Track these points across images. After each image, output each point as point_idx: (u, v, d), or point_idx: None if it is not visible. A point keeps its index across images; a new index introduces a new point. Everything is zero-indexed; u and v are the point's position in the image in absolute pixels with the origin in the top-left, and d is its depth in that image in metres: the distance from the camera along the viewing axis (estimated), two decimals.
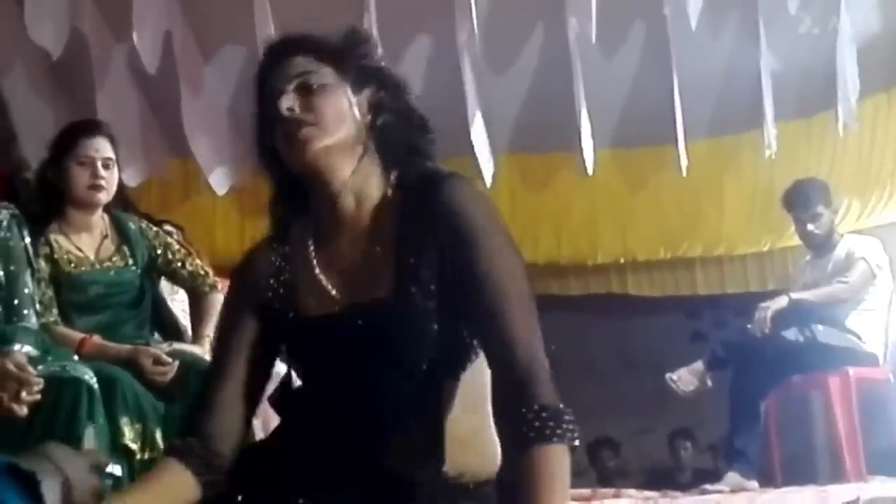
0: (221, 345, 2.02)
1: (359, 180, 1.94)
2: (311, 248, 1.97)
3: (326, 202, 1.95)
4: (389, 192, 1.96)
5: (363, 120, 1.95)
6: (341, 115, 1.92)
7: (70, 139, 3.90)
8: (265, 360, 1.99)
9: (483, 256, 1.83)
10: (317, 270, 1.95)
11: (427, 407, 1.82)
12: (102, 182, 3.86)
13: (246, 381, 1.96)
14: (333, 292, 1.92)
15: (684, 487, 6.60)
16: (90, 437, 1.67)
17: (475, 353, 1.88)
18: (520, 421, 1.73)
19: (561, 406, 1.75)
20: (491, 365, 1.83)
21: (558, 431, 1.72)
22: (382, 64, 2.02)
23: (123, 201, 4.30)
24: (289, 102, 1.90)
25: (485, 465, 1.87)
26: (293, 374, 1.94)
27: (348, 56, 1.98)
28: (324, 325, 1.90)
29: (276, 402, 1.97)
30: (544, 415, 1.73)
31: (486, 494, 1.86)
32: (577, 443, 1.75)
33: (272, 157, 1.96)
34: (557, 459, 1.72)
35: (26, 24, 5.50)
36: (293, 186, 1.99)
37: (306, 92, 1.92)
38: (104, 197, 3.91)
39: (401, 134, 1.98)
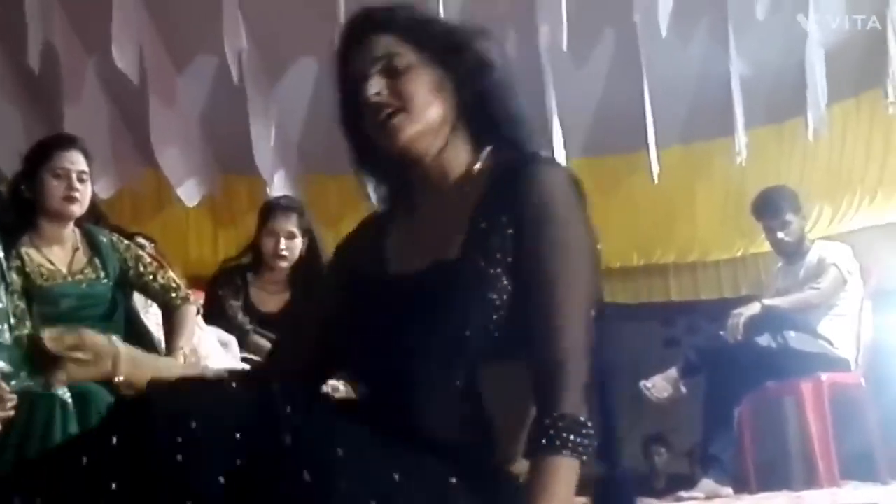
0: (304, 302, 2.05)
1: (448, 155, 1.93)
2: (397, 215, 1.99)
3: (415, 175, 1.95)
4: (479, 165, 1.94)
5: (450, 96, 1.93)
6: (430, 97, 1.90)
7: (46, 151, 3.92)
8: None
9: (554, 252, 1.80)
10: (388, 240, 1.96)
11: (470, 381, 1.77)
12: (77, 194, 3.88)
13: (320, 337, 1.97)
14: (394, 263, 1.92)
15: (659, 494, 6.60)
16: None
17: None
18: (537, 424, 1.71)
19: (582, 418, 1.70)
20: (528, 360, 1.77)
21: (569, 444, 1.68)
22: (466, 38, 1.97)
23: (95, 214, 4.30)
24: (376, 87, 1.88)
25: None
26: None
27: (429, 31, 1.95)
28: (389, 285, 1.89)
29: None
30: (560, 424, 1.69)
31: (506, 487, 1.81)
32: (585, 458, 1.71)
33: (359, 135, 1.95)
34: (561, 473, 1.69)
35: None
36: (383, 161, 1.97)
37: (392, 73, 1.89)
38: (78, 209, 3.91)
39: (490, 109, 1.96)
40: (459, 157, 1.95)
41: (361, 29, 1.95)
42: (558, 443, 1.69)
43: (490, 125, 1.96)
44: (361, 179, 2.03)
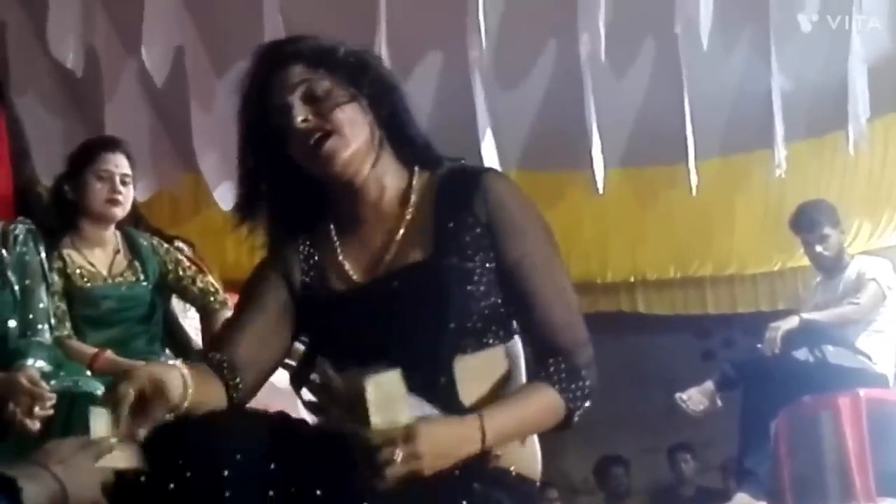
0: (249, 293, 2.04)
1: (378, 172, 1.97)
2: (335, 236, 2.01)
3: (349, 196, 1.98)
4: (415, 180, 1.99)
5: (370, 116, 1.96)
6: (355, 117, 1.93)
7: (90, 153, 3.94)
8: (288, 328, 2.01)
9: (522, 241, 1.90)
10: (340, 256, 1.98)
11: (448, 375, 1.84)
12: (120, 197, 3.89)
13: (268, 334, 1.98)
14: (355, 276, 1.95)
15: (689, 502, 6.59)
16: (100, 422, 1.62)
17: (510, 328, 1.94)
18: (539, 366, 1.84)
19: (583, 373, 1.84)
20: (532, 348, 1.91)
21: (564, 384, 1.82)
22: (368, 60, 2.02)
23: (134, 217, 4.33)
24: (302, 114, 1.90)
25: (530, 462, 1.90)
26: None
27: (335, 56, 1.97)
28: (356, 296, 1.93)
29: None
30: (562, 366, 1.83)
31: (525, 491, 1.88)
32: (577, 409, 1.83)
33: (273, 165, 1.96)
34: (543, 401, 1.81)
35: (48, 40, 5.55)
36: (302, 188, 1.99)
37: (313, 99, 1.92)
38: (120, 212, 3.93)
39: (411, 123, 2.02)
40: (391, 174, 1.99)
41: (270, 62, 1.96)
42: (555, 377, 1.83)
43: (408, 142, 2.02)
44: (254, 222, 2.04)
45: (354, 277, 1.96)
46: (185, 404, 1.73)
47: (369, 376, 1.62)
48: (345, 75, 1.95)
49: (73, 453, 1.63)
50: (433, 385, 1.81)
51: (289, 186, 1.99)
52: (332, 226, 2.02)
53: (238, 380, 1.91)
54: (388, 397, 1.62)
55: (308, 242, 2.03)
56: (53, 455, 1.63)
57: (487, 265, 1.89)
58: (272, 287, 2.01)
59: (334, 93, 1.92)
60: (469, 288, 1.86)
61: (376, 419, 1.59)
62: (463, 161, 2.06)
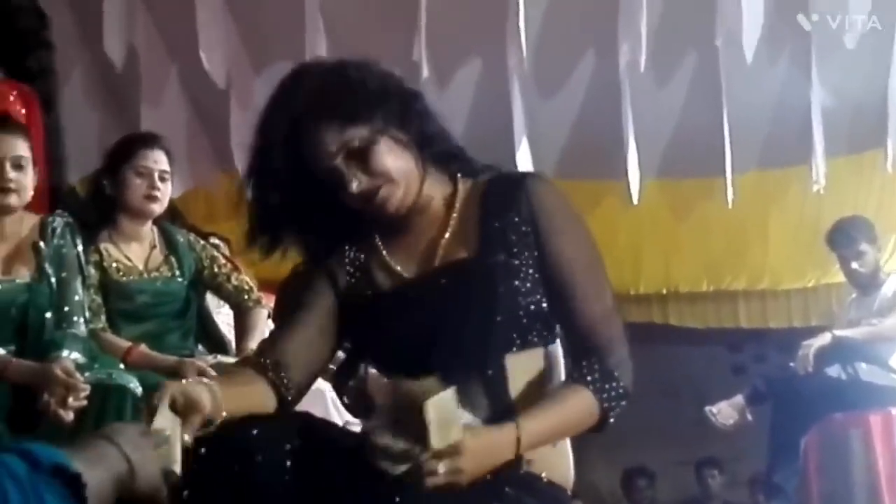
0: (294, 295, 2.08)
1: (425, 188, 2.00)
2: (379, 241, 2.03)
3: (394, 216, 2.00)
4: (460, 186, 2.03)
5: (405, 140, 1.97)
6: (397, 158, 1.94)
7: (130, 149, 3.95)
8: (334, 329, 2.02)
9: (563, 240, 1.95)
10: (386, 256, 2.01)
11: (497, 369, 1.87)
12: (158, 194, 3.91)
13: (315, 335, 2.00)
14: (404, 273, 1.98)
15: None
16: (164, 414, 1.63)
17: (553, 329, 1.97)
18: (574, 366, 1.88)
19: (616, 374, 1.88)
20: (569, 345, 1.94)
21: (597, 385, 1.85)
22: (389, 85, 2.00)
23: (171, 212, 4.36)
24: (354, 182, 1.91)
25: (562, 469, 1.91)
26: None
27: (360, 99, 1.94)
28: (404, 291, 1.96)
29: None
30: (596, 367, 1.87)
31: (556, 497, 1.89)
32: (612, 409, 1.87)
33: (305, 203, 1.97)
34: (577, 403, 1.84)
35: (104, 37, 5.61)
36: (340, 213, 2.00)
37: (355, 155, 1.92)
38: (158, 208, 3.95)
39: (445, 135, 2.04)
40: (436, 185, 2.02)
41: (295, 120, 1.94)
42: (588, 378, 1.86)
43: (447, 152, 2.04)
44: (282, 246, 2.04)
45: (404, 274, 1.98)
46: (221, 415, 1.75)
47: (429, 398, 1.62)
48: (374, 111, 1.93)
49: (140, 437, 1.64)
50: (481, 378, 1.84)
51: (324, 216, 2.01)
52: (375, 234, 2.04)
53: (286, 379, 1.94)
54: (445, 418, 1.63)
55: (352, 247, 2.06)
56: (123, 434, 1.64)
57: (532, 262, 1.92)
58: (317, 289, 2.03)
59: (371, 140, 1.92)
60: (516, 283, 1.90)
61: (435, 440, 1.61)
62: (501, 168, 2.09)
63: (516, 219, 1.94)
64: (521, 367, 1.90)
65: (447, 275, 1.93)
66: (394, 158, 1.93)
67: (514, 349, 1.89)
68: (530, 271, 1.92)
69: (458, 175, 2.04)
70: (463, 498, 1.67)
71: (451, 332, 1.86)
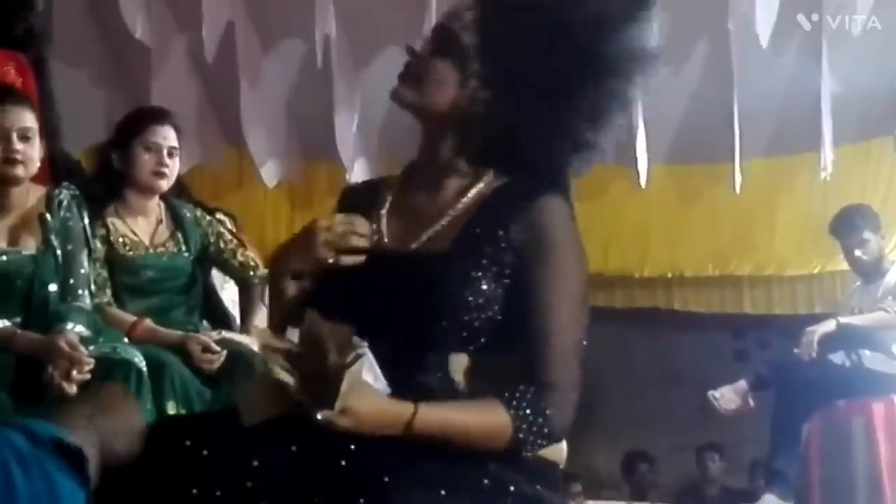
0: None
1: (451, 147, 2.00)
2: (393, 192, 2.05)
3: (424, 149, 2.03)
4: (483, 180, 1.99)
5: (462, 100, 1.96)
6: (443, 81, 1.96)
7: (139, 124, 3.96)
8: None
9: (549, 280, 1.89)
10: (388, 210, 2.02)
11: (446, 368, 1.87)
12: (166, 170, 3.92)
13: None
14: (386, 239, 1.98)
15: (713, 502, 6.57)
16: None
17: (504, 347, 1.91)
18: (512, 387, 1.82)
19: (549, 412, 1.81)
20: (521, 365, 1.86)
21: (521, 413, 1.79)
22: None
23: (178, 187, 4.36)
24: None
25: (553, 447, 1.89)
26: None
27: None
28: (383, 262, 1.93)
29: None
30: (529, 397, 1.81)
31: (545, 474, 1.88)
32: (527, 442, 1.80)
33: None
34: (487, 419, 1.79)
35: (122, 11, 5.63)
36: None
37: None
38: (165, 184, 3.96)
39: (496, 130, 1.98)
40: (460, 164, 2.00)
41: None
42: (514, 403, 1.80)
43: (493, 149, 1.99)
44: None
45: (388, 240, 1.98)
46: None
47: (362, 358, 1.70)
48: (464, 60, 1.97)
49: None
50: (427, 368, 1.86)
51: None
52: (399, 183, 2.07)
53: None
54: (351, 384, 1.68)
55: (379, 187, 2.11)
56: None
57: (496, 279, 1.89)
58: None
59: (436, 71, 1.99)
60: (468, 296, 1.86)
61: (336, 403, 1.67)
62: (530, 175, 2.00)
63: (500, 233, 1.90)
64: (476, 371, 1.89)
65: (413, 265, 1.92)
66: (440, 78, 1.97)
67: (452, 353, 1.88)
68: (492, 285, 1.88)
69: (491, 170, 2.01)
70: (449, 472, 1.69)
71: (393, 322, 1.85)
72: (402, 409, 1.72)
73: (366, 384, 1.70)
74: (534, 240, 1.90)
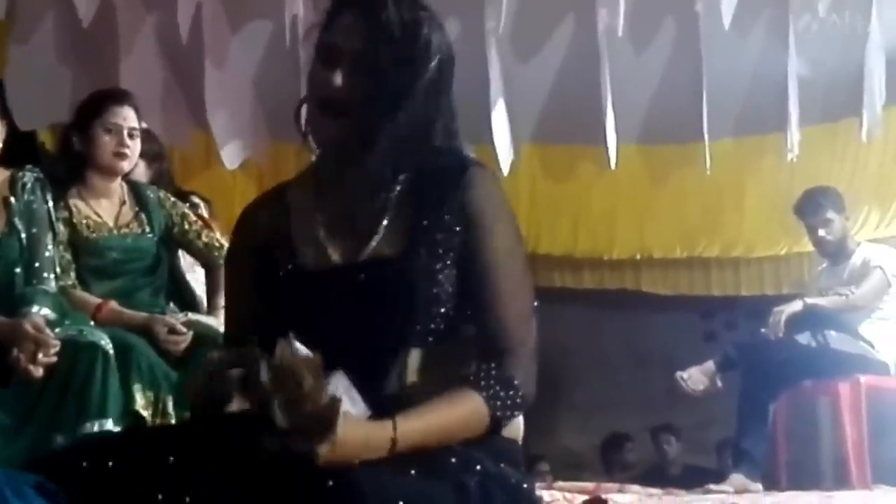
0: (233, 281, 2.08)
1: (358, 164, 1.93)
2: (313, 203, 1.99)
3: (328, 165, 1.99)
4: (399, 177, 1.95)
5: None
6: None
7: (98, 106, 3.95)
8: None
9: (493, 245, 1.90)
10: (317, 225, 1.96)
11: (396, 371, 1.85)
12: (127, 151, 3.91)
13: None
14: (329, 250, 1.94)
15: (676, 482, 6.61)
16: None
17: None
18: (475, 371, 1.83)
19: (517, 382, 1.83)
20: (477, 346, 1.88)
21: (491, 391, 1.81)
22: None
23: (160, 171, 4.43)
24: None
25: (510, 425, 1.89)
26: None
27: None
28: (322, 279, 1.92)
29: None
30: (494, 373, 1.83)
31: (507, 450, 1.88)
32: (504, 418, 1.82)
33: None
34: (464, 410, 1.79)
35: None
36: None
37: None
38: (127, 165, 3.96)
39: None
40: (374, 171, 1.94)
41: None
42: (482, 384, 1.81)
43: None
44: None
45: (333, 253, 1.93)
46: None
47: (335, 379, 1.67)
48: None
49: None
50: (393, 377, 1.84)
51: None
52: (312, 193, 2.01)
53: None
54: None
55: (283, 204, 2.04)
56: None
57: (452, 263, 1.89)
58: (250, 272, 2.02)
59: None
60: (435, 291, 1.86)
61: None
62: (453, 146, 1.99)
63: (447, 217, 1.90)
64: (424, 363, 1.87)
65: (373, 273, 1.89)
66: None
67: (422, 348, 1.87)
68: (453, 272, 1.88)
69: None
70: (416, 454, 1.69)
71: (360, 329, 1.84)
72: (383, 432, 1.70)
73: (347, 413, 1.66)
74: (473, 214, 1.90)
